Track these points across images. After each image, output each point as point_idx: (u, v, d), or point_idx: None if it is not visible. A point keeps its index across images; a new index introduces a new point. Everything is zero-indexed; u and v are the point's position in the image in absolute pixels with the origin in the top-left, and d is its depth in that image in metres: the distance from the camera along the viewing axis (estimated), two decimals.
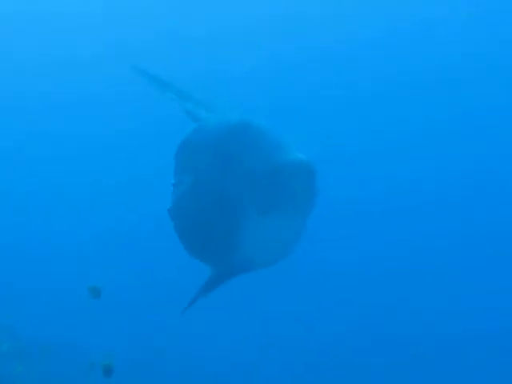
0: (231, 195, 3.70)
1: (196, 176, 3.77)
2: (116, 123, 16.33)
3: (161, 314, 10.66)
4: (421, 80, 15.36)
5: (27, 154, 15.81)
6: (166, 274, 11.75)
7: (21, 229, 13.87)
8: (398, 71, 15.64)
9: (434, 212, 13.63)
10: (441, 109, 15.18)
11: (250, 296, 9.16)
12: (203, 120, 3.89)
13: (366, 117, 15.30)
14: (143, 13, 16.10)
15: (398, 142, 15.03)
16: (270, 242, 3.77)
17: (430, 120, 15.01)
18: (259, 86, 15.61)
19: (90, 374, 6.35)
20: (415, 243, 13.04)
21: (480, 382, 10.32)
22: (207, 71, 15.35)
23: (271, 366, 10.09)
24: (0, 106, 16.28)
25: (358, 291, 11.65)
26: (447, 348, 10.96)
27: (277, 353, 10.39)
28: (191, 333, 10.16)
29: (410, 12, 15.34)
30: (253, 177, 3.68)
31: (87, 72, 16.11)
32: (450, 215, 13.51)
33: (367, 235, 13.13)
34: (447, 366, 10.58)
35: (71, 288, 11.73)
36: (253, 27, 15.81)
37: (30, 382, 9.01)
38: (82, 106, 16.28)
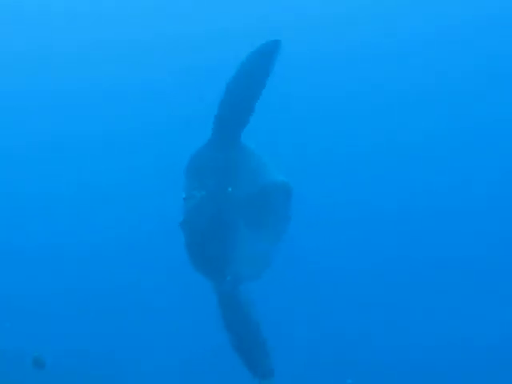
0: (228, 212, 3.99)
1: (203, 192, 3.99)
2: (115, 122, 16.31)
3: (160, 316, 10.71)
4: (420, 88, 15.40)
5: (24, 154, 15.77)
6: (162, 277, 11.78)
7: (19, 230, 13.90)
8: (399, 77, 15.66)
9: (435, 219, 13.64)
10: (444, 117, 15.21)
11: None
12: (210, 139, 4.12)
13: (366, 120, 15.31)
14: (143, 11, 16.11)
15: (396, 147, 15.05)
16: (255, 256, 4.05)
17: (432, 129, 15.04)
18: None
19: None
20: (414, 250, 13.04)
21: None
22: (204, 69, 15.36)
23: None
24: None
25: (353, 297, 11.66)
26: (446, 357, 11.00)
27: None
28: (190, 334, 10.19)
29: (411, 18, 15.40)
30: (244, 195, 4.01)
31: (85, 69, 16.11)
32: (452, 223, 13.51)
33: (364, 242, 13.13)
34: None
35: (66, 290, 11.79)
36: (250, 26, 15.84)
37: None
38: (81, 105, 16.26)
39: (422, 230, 13.44)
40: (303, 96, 15.29)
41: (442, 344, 11.24)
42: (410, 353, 10.96)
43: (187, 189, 4.04)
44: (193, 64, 15.78)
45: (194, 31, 15.80)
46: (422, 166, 14.75)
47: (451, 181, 14.33)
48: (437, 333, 11.43)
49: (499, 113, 15.10)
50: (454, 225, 13.43)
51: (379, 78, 15.58)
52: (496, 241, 13.20)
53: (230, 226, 4.00)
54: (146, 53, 15.96)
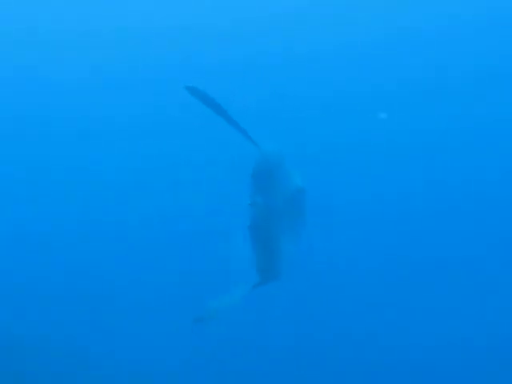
0: (275, 215, 4.52)
1: (263, 198, 4.51)
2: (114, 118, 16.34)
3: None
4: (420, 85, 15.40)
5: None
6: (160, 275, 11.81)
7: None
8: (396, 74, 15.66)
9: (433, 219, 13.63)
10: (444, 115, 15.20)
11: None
12: (262, 151, 4.65)
13: (366, 119, 15.30)
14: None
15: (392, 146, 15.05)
16: (286, 254, 4.55)
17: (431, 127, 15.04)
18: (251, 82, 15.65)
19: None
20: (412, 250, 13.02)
21: None
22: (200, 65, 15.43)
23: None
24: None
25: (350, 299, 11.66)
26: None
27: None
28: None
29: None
30: (280, 199, 4.56)
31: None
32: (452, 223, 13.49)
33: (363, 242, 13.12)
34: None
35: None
36: (242, 21, 15.88)
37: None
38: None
39: (426, 230, 13.43)
40: (302, 95, 15.31)
41: (448, 345, 11.23)
42: (415, 353, 10.97)
43: (252, 195, 4.54)
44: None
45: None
46: (424, 165, 14.74)
47: (453, 180, 14.32)
48: (442, 333, 11.43)
49: (500, 112, 15.09)
50: (458, 225, 13.42)
51: (380, 78, 15.60)
52: (498, 241, 13.19)
53: (277, 228, 4.53)
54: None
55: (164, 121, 15.70)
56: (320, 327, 11.19)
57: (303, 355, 10.72)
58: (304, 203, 4.69)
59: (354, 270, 12.23)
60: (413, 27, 15.67)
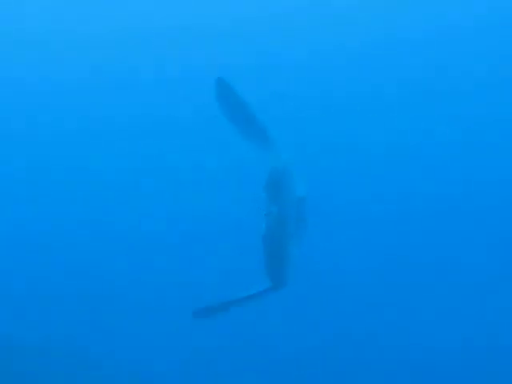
0: (286, 223, 4.64)
1: (277, 208, 4.59)
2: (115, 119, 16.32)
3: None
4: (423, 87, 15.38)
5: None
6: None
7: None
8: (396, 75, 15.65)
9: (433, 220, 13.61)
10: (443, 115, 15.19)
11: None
12: (274, 162, 4.73)
13: (367, 121, 15.28)
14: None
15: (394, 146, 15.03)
16: (291, 259, 4.66)
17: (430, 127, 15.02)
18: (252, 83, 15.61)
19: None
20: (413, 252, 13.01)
21: None
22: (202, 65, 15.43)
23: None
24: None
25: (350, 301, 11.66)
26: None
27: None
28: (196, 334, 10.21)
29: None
30: (288, 207, 4.66)
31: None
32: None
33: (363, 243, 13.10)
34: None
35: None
36: (246, 22, 15.87)
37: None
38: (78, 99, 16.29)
39: (426, 231, 13.41)
40: (302, 96, 15.30)
41: (448, 346, 11.23)
42: (416, 355, 10.98)
43: (267, 205, 4.62)
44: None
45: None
46: (425, 167, 14.73)
47: (454, 184, 14.31)
48: (442, 335, 11.43)
49: (500, 114, 15.07)
50: (459, 226, 13.40)
51: (381, 79, 15.59)
52: (498, 241, 13.18)
53: (288, 235, 4.65)
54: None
55: (164, 122, 15.69)
56: (321, 329, 11.20)
57: (304, 356, 10.73)
58: (307, 208, 4.81)
59: (354, 273, 12.23)
60: (413, 28, 15.68)
